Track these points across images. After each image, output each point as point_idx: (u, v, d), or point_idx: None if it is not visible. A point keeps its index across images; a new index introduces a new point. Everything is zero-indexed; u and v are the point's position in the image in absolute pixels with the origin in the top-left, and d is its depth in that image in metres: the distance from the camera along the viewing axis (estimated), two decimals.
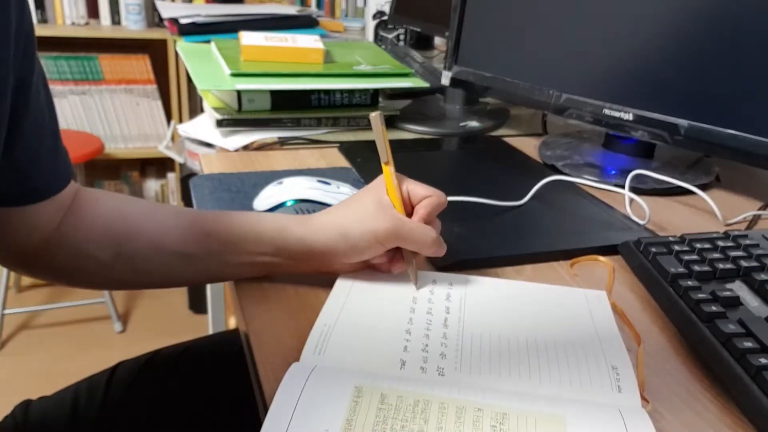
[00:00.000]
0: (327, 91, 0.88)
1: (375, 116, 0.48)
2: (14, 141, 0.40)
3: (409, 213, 0.48)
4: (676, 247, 0.51)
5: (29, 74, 0.39)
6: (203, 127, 0.90)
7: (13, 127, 0.39)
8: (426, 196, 0.48)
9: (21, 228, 0.45)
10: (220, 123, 0.83)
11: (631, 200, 0.66)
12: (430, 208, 0.47)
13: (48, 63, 1.99)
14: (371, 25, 1.55)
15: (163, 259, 0.48)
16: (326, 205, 0.57)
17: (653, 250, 0.51)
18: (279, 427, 0.33)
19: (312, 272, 0.49)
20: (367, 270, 0.50)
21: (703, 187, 0.70)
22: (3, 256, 0.48)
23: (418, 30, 1.35)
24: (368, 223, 0.46)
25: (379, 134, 0.48)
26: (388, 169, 0.48)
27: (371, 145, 0.82)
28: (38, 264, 0.49)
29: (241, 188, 0.66)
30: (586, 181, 0.72)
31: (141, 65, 2.08)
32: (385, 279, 0.49)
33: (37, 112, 0.41)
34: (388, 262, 0.49)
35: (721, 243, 0.51)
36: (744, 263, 0.48)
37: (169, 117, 2.16)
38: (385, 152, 0.48)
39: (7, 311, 1.84)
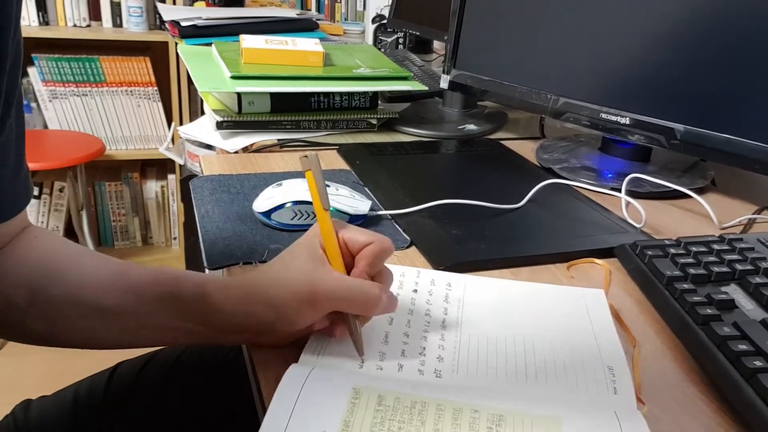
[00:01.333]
0: (326, 94, 0.88)
1: (307, 157, 0.42)
2: None
3: (350, 265, 0.41)
4: (672, 251, 0.51)
5: (13, 89, 0.38)
6: (203, 129, 0.90)
7: None
8: (366, 243, 0.40)
9: None
10: (220, 125, 0.84)
11: (628, 203, 0.67)
12: (372, 257, 0.40)
13: (50, 64, 2.00)
14: (371, 28, 1.56)
15: (77, 312, 0.43)
16: None
17: (649, 253, 0.52)
18: (277, 428, 0.33)
19: (253, 345, 0.42)
20: None
21: (699, 191, 0.71)
22: None
23: (417, 34, 1.35)
24: (298, 287, 0.39)
25: (317, 177, 0.42)
26: (326, 216, 0.41)
27: (370, 147, 0.83)
28: None
29: (241, 190, 0.66)
30: (583, 185, 0.73)
31: (142, 67, 2.09)
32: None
33: (10, 129, 0.40)
34: (331, 325, 0.41)
35: (716, 246, 0.51)
36: (739, 266, 0.48)
37: (169, 119, 2.16)
38: (323, 197, 0.42)
39: None
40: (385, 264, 0.42)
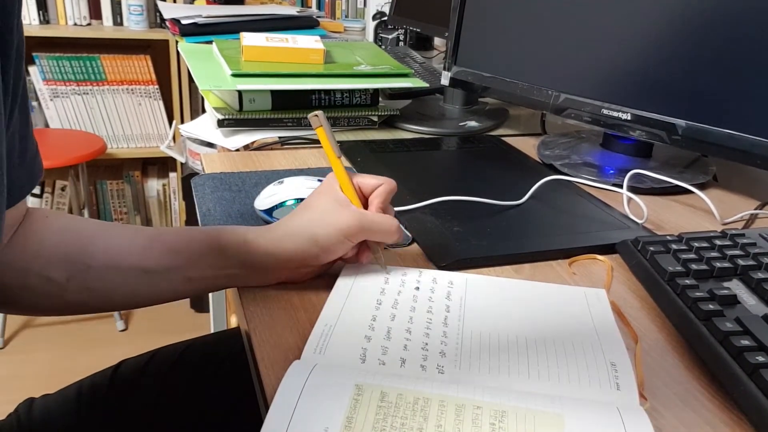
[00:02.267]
0: (327, 92, 0.88)
1: (317, 116, 0.49)
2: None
3: (365, 205, 0.49)
4: (674, 246, 0.51)
5: (18, 79, 0.39)
6: (204, 127, 0.90)
7: None
8: (377, 185, 0.49)
9: None
10: (221, 123, 0.84)
11: (629, 199, 0.66)
12: (384, 195, 0.49)
13: (50, 63, 2.00)
14: (371, 25, 1.56)
15: (120, 277, 0.46)
16: None
17: (651, 249, 0.52)
18: (280, 424, 0.33)
19: (279, 281, 0.48)
20: (367, 269, 0.51)
21: (701, 187, 0.71)
22: None
23: (418, 30, 1.35)
24: (333, 222, 0.46)
25: (325, 133, 0.49)
26: (340, 165, 0.49)
27: (371, 144, 0.83)
28: None
29: (242, 187, 0.67)
30: (584, 181, 0.73)
31: (143, 66, 2.09)
32: (385, 279, 0.50)
33: (17, 119, 0.40)
34: (356, 254, 0.50)
35: (718, 242, 0.51)
36: (741, 262, 0.48)
37: (170, 117, 2.16)
38: (335, 148, 0.49)
39: None
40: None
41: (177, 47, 1.91)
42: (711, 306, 0.43)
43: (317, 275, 0.50)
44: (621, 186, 0.68)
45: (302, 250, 0.46)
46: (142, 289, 0.47)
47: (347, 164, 0.76)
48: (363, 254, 0.50)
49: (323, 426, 0.33)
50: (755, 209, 0.67)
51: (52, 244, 0.46)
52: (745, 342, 0.39)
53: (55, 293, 0.45)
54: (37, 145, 0.45)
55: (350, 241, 0.47)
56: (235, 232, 0.48)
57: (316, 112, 0.49)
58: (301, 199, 0.57)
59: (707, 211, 0.66)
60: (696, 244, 0.51)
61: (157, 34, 2.03)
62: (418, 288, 0.49)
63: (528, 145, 0.87)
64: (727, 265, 0.48)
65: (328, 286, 0.48)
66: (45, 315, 0.50)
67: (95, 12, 2.05)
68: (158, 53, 2.08)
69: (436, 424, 0.34)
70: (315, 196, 0.49)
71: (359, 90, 0.89)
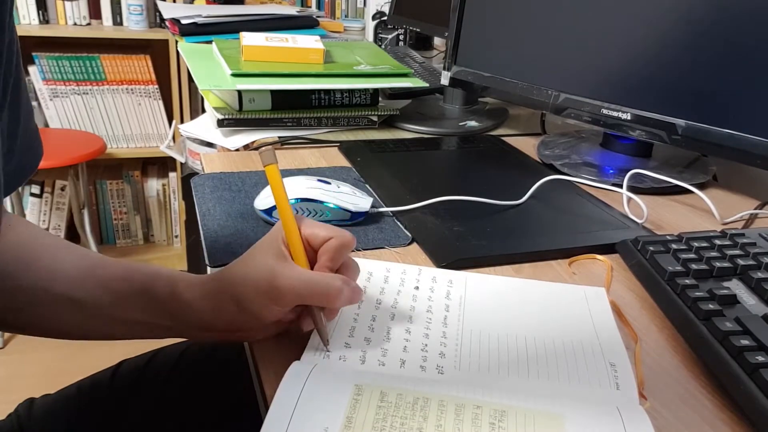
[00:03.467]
0: (327, 91, 0.88)
1: (270, 151, 0.41)
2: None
3: (313, 260, 0.42)
4: (674, 246, 0.51)
5: (18, 77, 0.39)
6: (204, 126, 0.90)
7: None
8: (327, 238, 0.41)
9: None
10: (221, 123, 0.84)
11: (629, 199, 0.66)
12: (333, 252, 0.41)
13: (50, 63, 1.99)
14: (371, 25, 1.56)
15: (48, 300, 0.44)
16: (326, 204, 0.58)
17: (651, 248, 0.52)
18: (280, 425, 0.33)
19: (228, 340, 0.44)
20: (367, 269, 0.50)
21: (701, 186, 0.71)
22: None
23: (418, 30, 1.35)
24: (259, 282, 0.39)
25: (277, 172, 0.42)
26: (289, 210, 0.41)
27: (371, 144, 0.83)
28: None
29: (242, 187, 0.67)
30: (584, 181, 0.73)
31: (142, 65, 2.09)
32: (384, 278, 0.50)
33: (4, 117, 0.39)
34: (297, 319, 0.42)
35: (718, 242, 0.51)
36: (741, 262, 0.48)
37: (170, 117, 2.16)
38: (285, 190, 0.42)
39: None
40: (354, 258, 0.43)
41: (177, 47, 1.91)
42: (711, 306, 0.43)
43: (279, 332, 0.43)
44: (621, 186, 0.68)
45: (224, 310, 0.40)
46: (70, 321, 0.44)
47: (345, 163, 0.76)
48: (302, 320, 0.42)
49: (323, 426, 0.33)
50: (755, 209, 0.67)
51: (3, 259, 0.44)
52: (745, 342, 0.40)
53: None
54: (24, 146, 0.43)
55: (276, 305, 0.39)
56: (166, 279, 0.43)
57: (268, 147, 0.41)
58: (301, 199, 0.57)
59: (707, 210, 0.66)
60: (696, 244, 0.51)
61: (157, 34, 2.03)
62: (417, 287, 0.49)
63: (528, 145, 0.87)
64: (726, 264, 0.48)
65: None
66: None
67: (95, 12, 2.05)
68: (158, 53, 2.08)
69: (436, 424, 0.34)
70: (258, 244, 0.42)
71: (359, 90, 0.89)
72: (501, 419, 0.34)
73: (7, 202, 1.79)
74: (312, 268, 0.41)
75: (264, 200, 0.59)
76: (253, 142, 0.83)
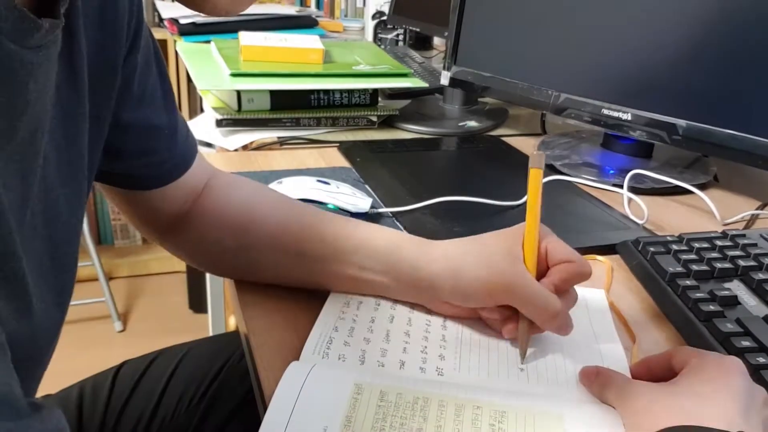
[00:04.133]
0: (326, 91, 0.88)
1: (540, 156, 0.42)
2: (124, 131, 0.42)
3: (543, 273, 0.42)
4: (675, 247, 0.51)
5: (132, 70, 0.41)
6: (203, 126, 0.90)
7: (118, 120, 0.41)
8: (566, 260, 0.41)
9: (149, 209, 0.49)
10: (219, 123, 0.84)
11: (630, 200, 0.66)
12: (566, 275, 0.41)
13: None
14: (370, 25, 1.56)
15: (277, 255, 0.47)
16: (326, 204, 0.57)
17: (651, 249, 0.51)
18: (278, 423, 0.33)
19: (420, 303, 0.45)
20: None
21: (701, 187, 0.71)
22: (142, 230, 0.52)
23: (417, 30, 1.35)
24: (485, 270, 0.41)
25: (540, 178, 0.42)
26: (537, 218, 0.41)
27: (370, 144, 0.82)
28: (170, 241, 0.51)
29: None
30: (584, 181, 0.72)
31: None
32: None
33: (145, 102, 0.43)
34: (501, 320, 0.43)
35: (719, 242, 0.51)
36: (742, 263, 0.48)
37: None
38: (537, 199, 0.42)
39: None
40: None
41: (175, 47, 1.91)
42: (711, 307, 0.43)
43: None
44: (621, 186, 0.68)
45: (439, 279, 0.42)
46: (291, 270, 0.47)
47: (344, 163, 0.76)
48: (506, 326, 0.42)
49: (322, 425, 0.33)
50: (756, 209, 0.67)
51: (229, 216, 0.49)
52: (746, 343, 0.39)
53: (227, 259, 0.49)
54: (188, 137, 0.49)
55: (491, 299, 0.41)
56: (393, 236, 0.46)
57: (540, 153, 0.42)
58: (301, 200, 0.57)
59: (708, 211, 0.66)
60: (696, 245, 0.51)
61: (156, 34, 2.01)
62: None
63: (528, 145, 0.87)
64: (727, 265, 0.48)
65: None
66: (215, 274, 0.54)
67: None
68: None
69: (436, 424, 0.34)
70: (493, 234, 0.43)
71: (358, 90, 0.89)
72: (501, 420, 0.34)
73: None
74: (538, 280, 0.41)
75: None
76: (251, 143, 0.82)
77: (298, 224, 0.48)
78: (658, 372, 0.37)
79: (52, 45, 0.28)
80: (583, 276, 0.41)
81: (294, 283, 0.48)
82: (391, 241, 0.45)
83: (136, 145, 0.44)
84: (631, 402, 0.34)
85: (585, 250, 0.57)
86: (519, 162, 0.80)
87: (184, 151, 0.48)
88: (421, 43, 1.53)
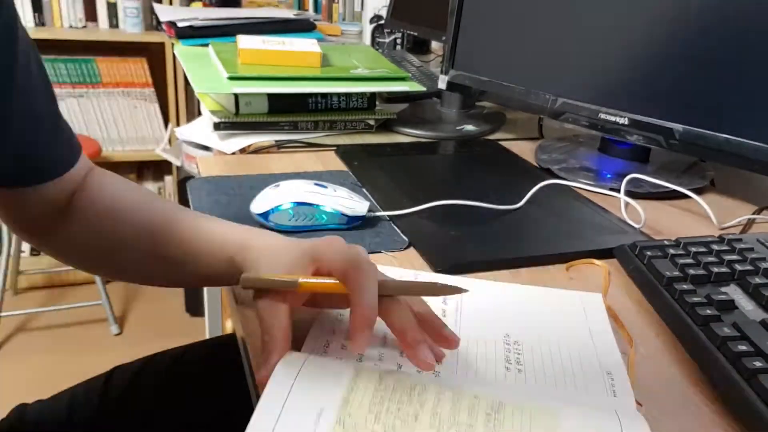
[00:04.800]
0: (324, 95, 0.88)
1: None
2: (5, 123, 0.40)
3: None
4: (672, 251, 0.51)
5: (12, 60, 0.40)
6: (200, 130, 0.90)
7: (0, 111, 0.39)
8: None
9: (26, 207, 0.47)
10: (217, 126, 0.83)
11: (627, 204, 0.66)
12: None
13: (46, 65, 1.99)
14: (368, 29, 1.56)
15: (139, 257, 0.48)
16: (323, 208, 0.57)
17: (648, 253, 0.51)
18: (276, 403, 0.33)
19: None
20: None
21: (698, 191, 0.71)
22: (15, 229, 0.51)
23: (415, 34, 1.35)
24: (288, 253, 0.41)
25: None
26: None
27: (368, 148, 0.82)
28: (46, 242, 0.51)
29: (239, 191, 0.66)
30: (581, 185, 0.72)
31: (139, 68, 2.08)
32: None
33: (29, 94, 0.42)
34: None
35: (716, 247, 0.51)
36: (739, 267, 0.48)
37: (166, 120, 2.16)
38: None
39: (3, 314, 1.84)
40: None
41: (173, 50, 1.91)
42: (708, 311, 0.43)
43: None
44: (618, 190, 0.68)
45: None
46: (159, 273, 0.49)
47: (342, 167, 0.76)
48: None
49: (319, 406, 0.33)
50: (753, 214, 0.67)
51: (95, 216, 0.49)
52: (743, 347, 0.39)
53: (98, 260, 0.50)
54: (71, 134, 0.48)
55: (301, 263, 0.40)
56: (242, 230, 0.46)
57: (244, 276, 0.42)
58: (298, 203, 0.57)
59: (705, 215, 0.66)
60: (693, 249, 0.51)
61: (153, 37, 2.02)
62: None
63: (525, 150, 0.87)
64: (724, 270, 0.48)
65: None
66: (89, 272, 0.56)
67: (91, 14, 2.04)
68: (154, 56, 2.08)
69: (433, 411, 0.33)
70: (282, 245, 0.43)
71: (356, 93, 0.89)
72: (498, 411, 0.34)
73: None
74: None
75: (260, 204, 0.59)
76: (249, 146, 0.82)
77: (154, 226, 0.48)
78: None
79: None
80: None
81: (160, 284, 0.50)
82: (233, 236, 0.45)
83: (18, 137, 0.43)
84: None
85: (582, 255, 0.57)
86: (516, 166, 0.80)
87: (67, 149, 0.47)
88: (419, 47, 1.54)
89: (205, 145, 0.85)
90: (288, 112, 0.86)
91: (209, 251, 0.46)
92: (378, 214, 0.62)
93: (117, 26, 2.06)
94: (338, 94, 0.89)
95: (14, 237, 1.82)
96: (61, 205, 0.48)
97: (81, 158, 0.49)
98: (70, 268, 2.05)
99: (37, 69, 0.44)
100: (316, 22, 1.50)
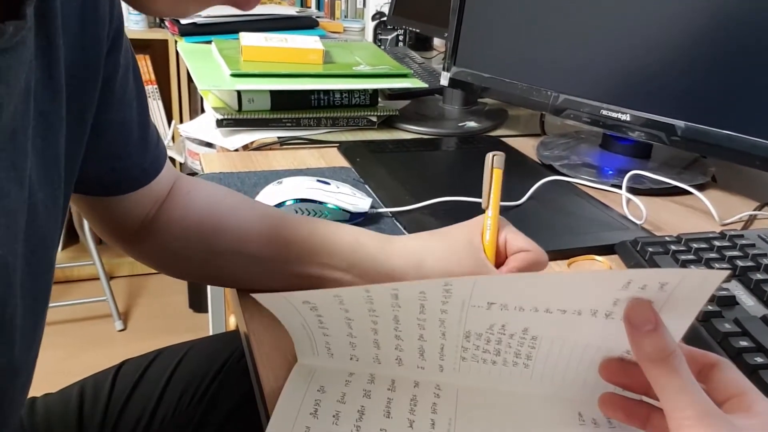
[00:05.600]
0: (326, 92, 0.88)
1: (499, 156, 0.45)
2: (100, 133, 0.41)
3: (501, 263, 0.44)
4: (673, 247, 0.51)
5: (114, 70, 0.41)
6: (203, 126, 0.90)
7: (97, 121, 0.40)
8: (523, 249, 0.43)
9: (115, 215, 0.47)
10: (220, 123, 0.84)
11: (628, 200, 0.67)
12: (523, 263, 0.42)
13: None
14: (370, 25, 1.56)
15: (241, 261, 0.48)
16: (325, 204, 0.58)
17: (650, 249, 0.52)
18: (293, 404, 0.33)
19: None
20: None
21: (700, 188, 0.71)
22: (106, 237, 0.51)
23: (417, 31, 1.35)
24: (448, 259, 0.42)
25: (500, 176, 0.45)
26: (497, 211, 0.44)
27: (370, 145, 0.83)
28: (135, 248, 0.51)
29: (241, 188, 0.66)
30: (583, 182, 0.73)
31: (142, 65, 2.09)
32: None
33: (124, 104, 0.43)
34: None
35: (717, 243, 0.51)
36: (740, 263, 0.48)
37: (169, 117, 2.16)
38: (487, 195, 0.45)
39: None
40: None
41: (176, 47, 1.91)
42: (710, 307, 0.43)
43: None
44: (620, 187, 0.68)
45: (402, 270, 0.43)
46: (255, 273, 0.48)
47: (344, 163, 0.76)
48: None
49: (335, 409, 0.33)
50: (754, 210, 0.67)
51: (191, 224, 0.49)
52: (744, 343, 0.40)
53: (194, 266, 0.50)
54: (159, 142, 0.49)
55: None
56: (353, 232, 0.47)
57: (499, 153, 0.45)
58: (301, 200, 0.57)
59: (706, 212, 0.67)
60: (695, 245, 0.51)
61: (157, 34, 2.02)
62: (423, 293, 0.49)
63: (527, 146, 0.87)
64: (725, 266, 0.48)
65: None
66: (183, 279, 0.55)
67: None
68: (157, 53, 2.08)
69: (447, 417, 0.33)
70: (453, 227, 0.45)
71: (358, 90, 0.89)
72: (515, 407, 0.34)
73: None
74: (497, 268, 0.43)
75: (263, 200, 0.59)
76: (252, 142, 0.83)
77: (260, 228, 0.48)
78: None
79: (21, 46, 0.28)
80: (540, 264, 0.43)
81: (258, 287, 0.48)
82: (352, 238, 0.46)
83: (109, 147, 0.43)
84: None
85: (584, 251, 0.57)
86: (518, 162, 0.80)
87: (154, 157, 0.48)
88: (421, 43, 1.54)
89: (208, 141, 0.86)
90: (291, 108, 0.87)
91: (327, 248, 0.46)
92: (380, 210, 0.62)
93: None
94: (340, 91, 0.89)
95: None
96: (150, 213, 0.49)
97: (167, 166, 0.50)
98: (74, 263, 2.06)
99: (133, 78, 0.44)
100: (318, 19, 1.50)
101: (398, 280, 0.43)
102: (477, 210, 0.62)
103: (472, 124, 0.95)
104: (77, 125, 0.37)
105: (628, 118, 0.71)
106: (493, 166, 0.45)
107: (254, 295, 0.36)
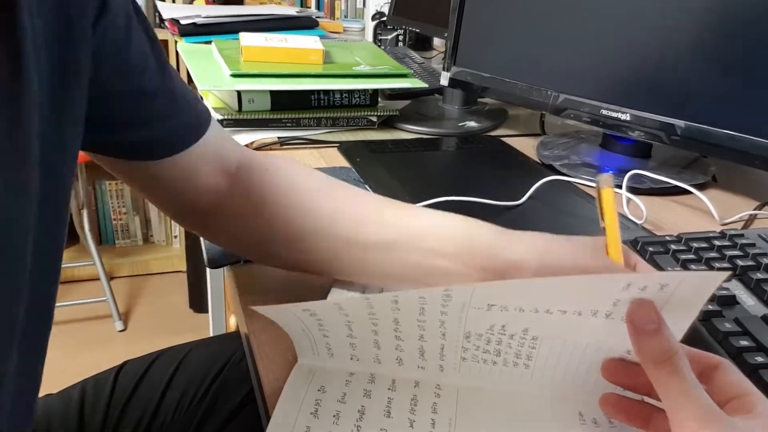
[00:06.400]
0: (326, 92, 0.88)
1: (605, 178, 0.41)
2: (111, 104, 0.39)
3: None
4: (673, 247, 0.51)
5: (110, 37, 0.38)
6: None
7: (104, 93, 0.38)
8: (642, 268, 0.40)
9: (167, 183, 0.44)
10: (220, 123, 0.84)
11: (629, 200, 0.67)
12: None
13: None
14: (370, 25, 1.56)
15: (331, 244, 0.44)
16: None
17: (650, 249, 0.52)
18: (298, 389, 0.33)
19: None
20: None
21: (700, 187, 0.71)
22: (172, 215, 0.48)
23: (417, 31, 1.35)
24: (573, 254, 0.40)
25: (613, 196, 0.41)
26: (614, 233, 0.40)
27: (370, 144, 0.83)
28: (205, 226, 0.48)
29: None
30: (583, 181, 0.73)
31: None
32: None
33: (140, 66, 0.41)
34: None
35: (717, 242, 0.51)
36: (740, 262, 0.48)
37: None
38: (615, 217, 0.41)
39: None
40: None
41: (176, 47, 1.91)
42: (710, 306, 0.43)
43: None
44: (620, 186, 0.68)
45: (521, 257, 0.41)
46: (352, 260, 0.45)
47: (344, 163, 0.76)
48: None
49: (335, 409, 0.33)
50: (754, 210, 0.67)
51: (273, 203, 0.45)
52: (744, 342, 0.40)
53: (277, 250, 0.46)
54: (193, 93, 0.46)
55: None
56: (465, 218, 0.44)
57: (609, 174, 0.42)
58: None
59: (706, 211, 0.67)
60: (695, 245, 0.51)
61: (157, 34, 2.03)
62: (423, 298, 0.48)
63: (527, 146, 0.87)
64: (726, 265, 0.48)
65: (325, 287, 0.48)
66: (262, 263, 0.50)
67: None
68: None
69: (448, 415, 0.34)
70: (575, 238, 0.42)
71: (358, 90, 0.89)
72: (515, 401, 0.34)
73: None
74: None
75: None
76: (252, 143, 0.83)
77: (354, 209, 0.45)
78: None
79: None
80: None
81: (346, 275, 0.45)
82: (464, 225, 0.43)
83: (134, 114, 0.41)
84: None
85: None
86: (518, 162, 0.80)
87: (189, 116, 0.44)
88: (421, 43, 1.54)
89: None
90: (291, 109, 0.87)
91: (436, 233, 0.43)
92: None
93: None
94: (341, 91, 0.89)
95: None
96: (209, 185, 0.46)
97: (224, 139, 0.47)
98: (74, 264, 2.06)
99: (147, 40, 0.42)
100: (318, 19, 1.50)
101: (518, 269, 0.41)
102: (478, 210, 0.63)
103: (472, 123, 0.95)
104: (61, 107, 0.33)
105: (628, 118, 0.71)
106: (602, 186, 0.42)
107: (254, 308, 0.36)
